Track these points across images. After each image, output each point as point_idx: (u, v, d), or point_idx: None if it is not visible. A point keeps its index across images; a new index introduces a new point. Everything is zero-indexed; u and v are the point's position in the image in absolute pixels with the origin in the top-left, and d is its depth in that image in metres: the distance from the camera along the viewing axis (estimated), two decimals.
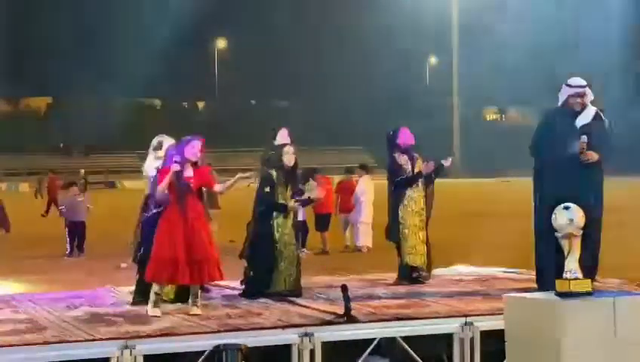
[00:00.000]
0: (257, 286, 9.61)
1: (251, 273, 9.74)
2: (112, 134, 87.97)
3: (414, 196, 10.84)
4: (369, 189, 19.71)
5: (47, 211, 32.53)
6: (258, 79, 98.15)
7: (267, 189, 9.72)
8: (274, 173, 9.75)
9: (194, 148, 8.77)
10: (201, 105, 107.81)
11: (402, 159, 10.86)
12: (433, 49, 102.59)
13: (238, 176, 9.16)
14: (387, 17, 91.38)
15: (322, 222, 19.34)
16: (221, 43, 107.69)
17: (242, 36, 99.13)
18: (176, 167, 8.61)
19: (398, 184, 10.83)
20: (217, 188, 9.15)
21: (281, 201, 9.69)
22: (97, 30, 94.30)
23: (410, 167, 10.87)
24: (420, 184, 10.90)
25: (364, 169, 20.55)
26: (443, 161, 11.11)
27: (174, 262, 8.51)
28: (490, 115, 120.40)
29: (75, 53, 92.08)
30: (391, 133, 11.09)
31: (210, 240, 8.78)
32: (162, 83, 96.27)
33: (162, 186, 8.64)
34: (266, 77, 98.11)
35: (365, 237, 19.39)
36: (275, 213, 9.69)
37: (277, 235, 9.68)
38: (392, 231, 10.87)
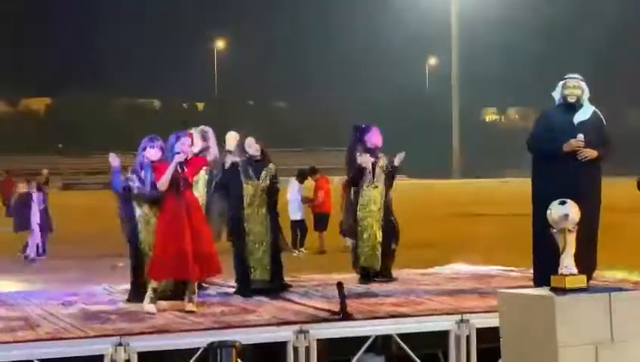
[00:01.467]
0: (240, 279, 9.59)
1: (238, 271, 9.73)
2: (111, 135, 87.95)
3: (373, 195, 10.74)
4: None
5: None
6: (257, 80, 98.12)
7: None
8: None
9: (184, 145, 8.72)
10: (200, 105, 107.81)
11: (363, 158, 10.70)
12: (433, 50, 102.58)
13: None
14: (386, 18, 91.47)
15: (320, 221, 19.34)
16: (220, 43, 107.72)
17: (241, 37, 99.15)
18: (180, 158, 8.56)
19: (350, 181, 10.73)
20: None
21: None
22: (96, 31, 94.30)
23: (370, 166, 10.70)
24: (380, 183, 10.76)
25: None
26: (395, 160, 10.92)
27: (183, 256, 8.41)
28: (490, 116, 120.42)
29: (74, 54, 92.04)
30: (362, 127, 10.87)
31: (209, 233, 8.76)
32: (161, 84, 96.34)
33: (165, 179, 8.56)
34: (264, 77, 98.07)
35: None
36: (242, 204, 9.61)
37: (246, 226, 9.62)
38: (349, 229, 10.74)
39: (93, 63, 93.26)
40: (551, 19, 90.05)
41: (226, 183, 9.80)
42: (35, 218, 18.67)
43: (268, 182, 9.77)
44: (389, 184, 10.82)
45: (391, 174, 10.84)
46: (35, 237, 18.62)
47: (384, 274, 10.64)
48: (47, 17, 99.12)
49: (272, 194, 9.79)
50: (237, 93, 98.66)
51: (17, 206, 19.23)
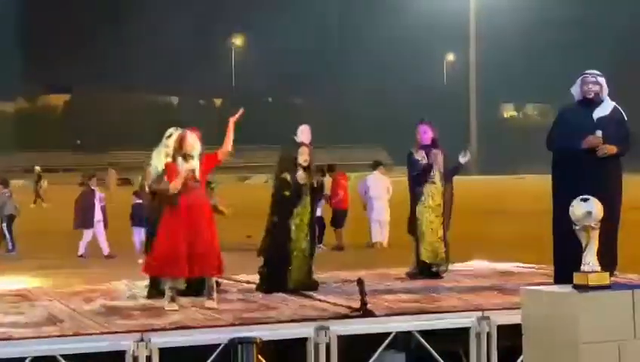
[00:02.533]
0: (273, 282, 9.59)
1: (267, 269, 9.72)
2: (129, 131, 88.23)
3: (431, 192, 10.78)
4: (378, 186, 19.65)
5: None
6: (275, 76, 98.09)
7: (286, 193, 9.67)
8: (288, 176, 9.69)
9: (191, 143, 8.67)
10: (218, 102, 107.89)
11: (419, 154, 10.80)
12: (451, 46, 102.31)
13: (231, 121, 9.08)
14: (404, 15, 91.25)
15: (338, 218, 19.32)
16: (238, 40, 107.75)
17: (259, 33, 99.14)
18: (192, 166, 8.55)
19: (413, 179, 10.81)
20: (220, 156, 8.93)
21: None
22: (114, 28, 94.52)
23: (426, 162, 10.78)
24: (437, 180, 10.82)
25: (376, 166, 20.53)
26: (460, 158, 11.04)
27: (175, 255, 8.45)
28: (508, 112, 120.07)
29: (93, 51, 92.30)
30: (417, 125, 11.02)
31: (212, 233, 8.68)
32: (179, 80, 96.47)
33: (175, 185, 8.55)
34: (282, 74, 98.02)
35: (379, 234, 19.35)
36: (293, 213, 9.64)
37: (293, 234, 9.65)
38: (411, 226, 10.84)
39: (111, 60, 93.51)
40: (572, 13, 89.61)
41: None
42: (98, 215, 18.77)
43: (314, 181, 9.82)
44: (448, 180, 10.87)
45: (453, 171, 10.90)
46: (97, 234, 18.67)
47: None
48: (65, 14, 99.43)
49: (316, 193, 9.83)
50: (255, 89, 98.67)
51: (82, 203, 19.18)
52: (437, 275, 10.61)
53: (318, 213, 19.30)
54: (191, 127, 8.84)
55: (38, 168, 40.79)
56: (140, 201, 19.11)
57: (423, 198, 10.75)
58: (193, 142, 8.67)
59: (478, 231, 21.25)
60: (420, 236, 10.74)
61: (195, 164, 8.62)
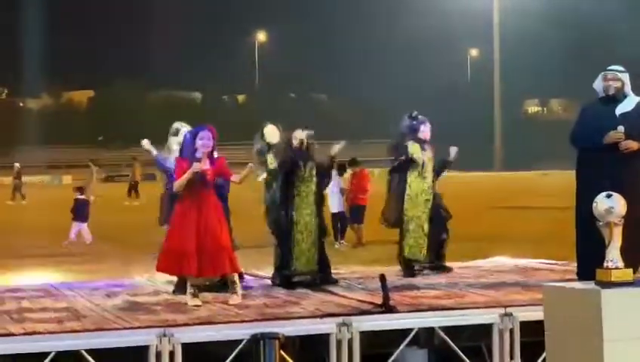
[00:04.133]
0: (281, 269, 9.62)
1: (278, 259, 9.76)
2: (152, 127, 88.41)
3: (421, 186, 10.70)
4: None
5: None
6: (298, 72, 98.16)
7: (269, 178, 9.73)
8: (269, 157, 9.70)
9: (203, 140, 8.61)
10: (240, 98, 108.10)
11: (415, 148, 10.68)
12: (474, 41, 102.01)
13: (249, 166, 9.24)
14: (428, 9, 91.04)
15: (356, 214, 19.22)
16: (261, 36, 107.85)
17: (282, 29, 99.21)
18: (196, 168, 8.48)
19: (395, 169, 10.71)
20: (234, 178, 9.06)
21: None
22: (137, 24, 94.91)
23: (424, 157, 10.68)
24: (428, 175, 10.74)
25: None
26: (451, 152, 10.94)
27: (183, 253, 8.45)
28: (532, 108, 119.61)
29: (116, 47, 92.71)
30: (417, 117, 10.84)
31: (223, 231, 8.64)
32: (202, 76, 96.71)
33: (180, 183, 8.56)
34: (305, 70, 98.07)
35: None
36: (291, 196, 9.65)
37: (295, 216, 9.65)
38: (395, 219, 10.70)
39: (134, 57, 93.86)
40: (597, 10, 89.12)
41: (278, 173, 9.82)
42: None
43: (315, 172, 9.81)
44: (437, 176, 10.82)
45: (442, 167, 10.84)
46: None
47: (436, 266, 10.65)
48: (90, 11, 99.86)
49: (320, 184, 9.85)
50: (278, 85, 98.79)
51: (168, 199, 19.15)
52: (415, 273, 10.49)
53: (340, 208, 19.25)
54: (207, 125, 8.84)
55: (17, 165, 41.06)
56: (83, 197, 19.73)
57: (411, 193, 10.64)
58: (207, 139, 8.64)
59: (501, 227, 21.19)
60: (405, 231, 10.62)
61: (204, 162, 8.56)
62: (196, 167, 8.47)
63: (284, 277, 9.64)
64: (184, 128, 9.62)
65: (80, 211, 19.60)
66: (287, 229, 9.66)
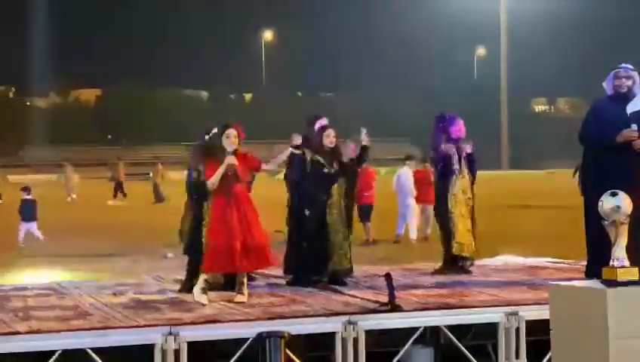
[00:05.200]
0: (309, 272, 9.63)
1: (300, 260, 9.74)
2: (160, 126, 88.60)
3: (462, 185, 10.74)
4: (408, 180, 19.58)
5: None
6: (305, 71, 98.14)
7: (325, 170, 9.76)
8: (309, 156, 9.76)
9: (229, 138, 8.70)
10: (248, 96, 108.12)
11: (450, 148, 10.74)
12: (481, 39, 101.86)
13: (289, 150, 9.36)
14: (434, 7, 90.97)
15: (364, 212, 19.25)
16: (268, 35, 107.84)
17: (289, 28, 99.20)
18: (230, 160, 8.58)
19: (442, 172, 10.76)
20: (267, 166, 9.12)
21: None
22: (145, 23, 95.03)
23: (457, 156, 10.75)
24: (465, 173, 10.79)
25: (406, 160, 20.50)
26: (466, 148, 10.93)
27: (231, 250, 8.47)
28: (539, 106, 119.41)
29: (123, 45, 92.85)
30: (446, 117, 10.91)
31: (261, 226, 8.76)
32: (209, 75, 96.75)
33: (214, 179, 8.61)
34: (312, 68, 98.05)
35: (409, 229, 19.30)
36: (327, 197, 9.67)
37: (328, 218, 9.68)
38: (442, 219, 10.80)
39: (142, 55, 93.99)
40: (605, 8, 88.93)
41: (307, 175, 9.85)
42: None
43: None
44: (473, 173, 10.88)
45: (472, 163, 10.90)
46: None
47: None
48: (96, 9, 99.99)
49: (350, 183, 9.87)
50: (285, 84, 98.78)
51: None
52: (464, 270, 10.57)
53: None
54: (235, 123, 8.92)
55: None
56: (30, 197, 19.31)
57: (454, 191, 10.69)
58: (233, 137, 8.71)
59: (508, 225, 21.16)
60: (453, 228, 10.67)
61: (232, 159, 8.62)
62: (229, 160, 8.55)
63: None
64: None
65: (27, 211, 18.91)
66: (317, 229, 9.67)
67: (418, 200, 19.38)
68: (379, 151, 72.62)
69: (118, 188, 39.35)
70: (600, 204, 5.88)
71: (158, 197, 35.45)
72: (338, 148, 9.98)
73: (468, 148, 10.88)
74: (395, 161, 21.94)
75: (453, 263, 10.66)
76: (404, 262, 12.32)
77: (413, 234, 19.16)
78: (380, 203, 19.64)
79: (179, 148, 73.14)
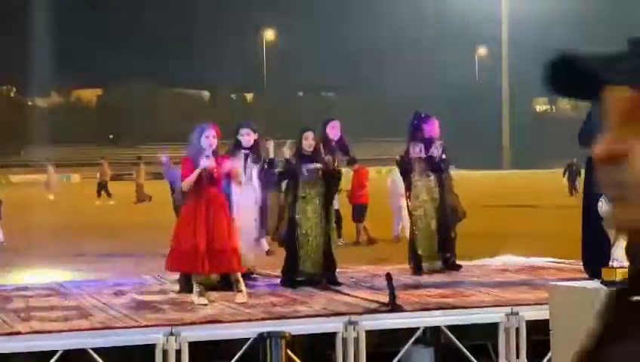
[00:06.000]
0: (288, 271, 9.64)
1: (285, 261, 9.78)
2: (161, 125, 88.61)
3: (425, 184, 10.69)
4: (401, 181, 19.56)
5: None
6: (306, 71, 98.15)
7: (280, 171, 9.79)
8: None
9: (208, 139, 8.61)
10: (249, 96, 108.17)
11: (415, 150, 10.68)
12: (482, 39, 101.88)
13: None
14: (435, 7, 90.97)
15: (357, 212, 19.23)
16: (269, 34, 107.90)
17: (290, 27, 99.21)
18: (205, 163, 8.50)
19: (404, 173, 10.73)
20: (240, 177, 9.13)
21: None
22: (146, 23, 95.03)
23: (423, 156, 10.67)
24: (430, 172, 10.71)
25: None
26: (432, 150, 10.88)
27: (194, 252, 8.48)
28: (540, 106, 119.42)
29: (124, 45, 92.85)
30: (421, 115, 10.86)
31: (230, 230, 8.70)
32: (210, 74, 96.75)
33: (189, 182, 8.58)
34: (313, 68, 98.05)
35: (404, 228, 19.30)
36: (296, 198, 9.67)
37: (298, 219, 9.66)
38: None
39: (143, 55, 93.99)
40: (607, 8, 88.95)
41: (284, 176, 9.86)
42: None
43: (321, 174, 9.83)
44: (439, 174, 10.79)
45: (438, 165, 10.82)
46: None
47: (446, 264, 10.66)
48: (98, 9, 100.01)
49: (328, 187, 9.85)
50: (286, 84, 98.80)
51: None
52: (453, 266, 10.54)
53: (335, 205, 19.16)
54: (211, 122, 8.87)
55: None
56: None
57: (416, 191, 10.64)
58: (212, 137, 8.64)
59: (509, 225, 21.17)
60: (415, 229, 10.62)
61: (212, 160, 8.57)
62: (205, 163, 8.49)
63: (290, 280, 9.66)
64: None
65: None
66: (292, 232, 9.69)
67: None
68: (379, 151, 72.73)
69: (102, 188, 38.92)
70: (599, 205, 5.92)
71: (141, 197, 35.37)
72: (319, 151, 9.89)
73: (434, 150, 10.75)
74: (394, 161, 21.85)
75: (417, 263, 10.59)
76: (395, 262, 12.30)
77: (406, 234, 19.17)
78: (380, 203, 19.65)
79: (179, 148, 73.22)
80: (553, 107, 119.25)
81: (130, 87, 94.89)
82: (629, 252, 1.29)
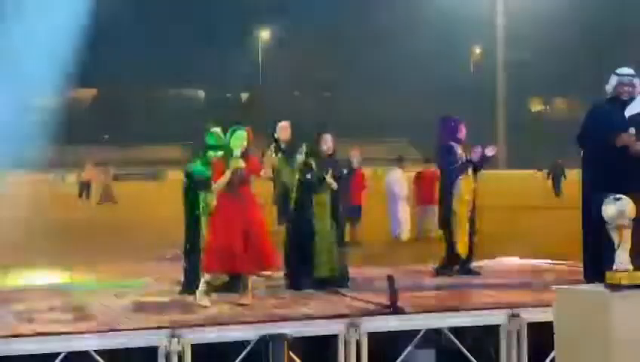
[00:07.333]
0: (299, 276, 9.63)
1: (294, 263, 9.75)
2: (157, 125, 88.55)
3: (465, 185, 10.77)
4: (400, 182, 19.60)
5: None
6: (302, 70, 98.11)
7: (308, 176, 9.74)
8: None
9: (239, 140, 8.71)
10: (244, 96, 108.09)
11: (459, 149, 10.81)
12: (477, 38, 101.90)
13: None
14: (430, 6, 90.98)
15: (351, 213, 19.19)
16: (265, 34, 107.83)
17: (286, 27, 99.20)
18: (236, 165, 8.59)
19: (452, 172, 10.78)
20: (262, 172, 9.15)
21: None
22: (141, 22, 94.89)
23: (464, 157, 10.81)
24: (470, 173, 10.82)
25: (398, 161, 20.54)
26: (487, 151, 11.02)
27: (233, 251, 8.48)
28: (536, 106, 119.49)
29: (120, 45, 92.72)
30: (452, 123, 10.98)
31: (265, 228, 8.78)
32: (205, 74, 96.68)
33: (222, 182, 8.63)
34: (310, 68, 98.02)
35: (400, 230, 19.31)
36: (312, 201, 9.67)
37: (315, 223, 9.67)
38: (444, 220, 10.82)
39: (138, 55, 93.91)
40: (601, 5, 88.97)
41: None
42: None
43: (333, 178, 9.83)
44: (475, 174, 10.93)
45: (480, 165, 10.93)
46: None
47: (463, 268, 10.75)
48: (92, 9, 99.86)
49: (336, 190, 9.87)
50: (282, 83, 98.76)
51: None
52: (471, 271, 10.58)
53: None
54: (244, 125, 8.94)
55: None
56: None
57: (458, 192, 10.72)
58: (242, 139, 8.73)
59: (506, 227, 21.18)
60: (455, 229, 10.69)
61: (239, 162, 8.63)
62: (235, 163, 8.57)
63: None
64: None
65: None
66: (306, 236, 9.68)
67: (421, 200, 19.41)
68: (375, 152, 72.69)
69: (84, 188, 38.57)
70: (603, 208, 5.92)
71: (106, 198, 35.22)
72: (335, 153, 9.93)
73: (489, 151, 10.92)
74: (392, 162, 21.93)
75: (453, 264, 10.66)
76: (396, 264, 12.32)
77: (403, 235, 19.20)
78: (378, 204, 19.68)
79: (176, 148, 73.22)
80: (548, 107, 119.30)
81: (125, 86, 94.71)
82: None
